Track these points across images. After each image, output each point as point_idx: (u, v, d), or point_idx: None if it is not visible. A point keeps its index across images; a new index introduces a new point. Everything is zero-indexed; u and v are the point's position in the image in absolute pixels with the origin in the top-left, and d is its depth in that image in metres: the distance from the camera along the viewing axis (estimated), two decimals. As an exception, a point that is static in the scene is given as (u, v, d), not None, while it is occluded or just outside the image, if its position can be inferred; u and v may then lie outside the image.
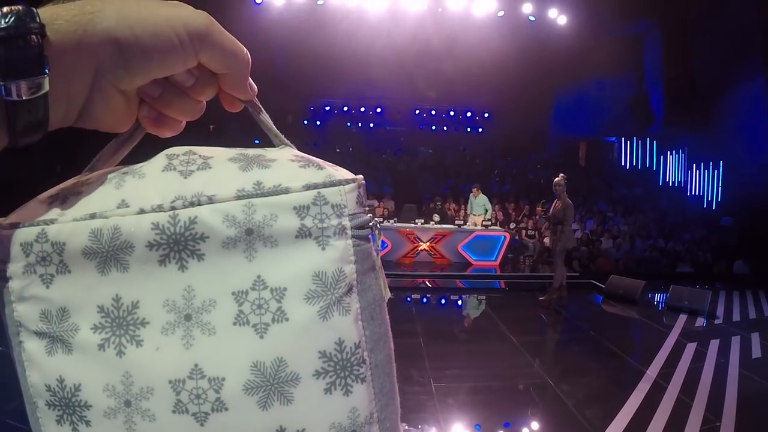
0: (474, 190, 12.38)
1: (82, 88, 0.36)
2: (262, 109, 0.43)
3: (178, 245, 0.35)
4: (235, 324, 0.35)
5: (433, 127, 21.85)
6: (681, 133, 17.39)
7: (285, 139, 0.43)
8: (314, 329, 0.35)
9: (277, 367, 0.34)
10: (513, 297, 9.49)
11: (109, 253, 0.35)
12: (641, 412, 4.32)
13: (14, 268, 0.35)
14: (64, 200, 0.37)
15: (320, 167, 0.38)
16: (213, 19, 0.38)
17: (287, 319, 0.35)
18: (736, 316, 8.20)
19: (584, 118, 19.39)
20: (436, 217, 12.17)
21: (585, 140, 20.83)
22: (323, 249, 0.36)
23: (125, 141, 0.43)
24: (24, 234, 0.35)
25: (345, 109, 21.02)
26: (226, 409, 0.34)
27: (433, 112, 21.65)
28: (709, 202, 16.74)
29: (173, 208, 0.35)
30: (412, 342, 5.93)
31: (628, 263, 12.41)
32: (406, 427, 3.91)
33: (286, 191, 0.36)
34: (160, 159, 0.38)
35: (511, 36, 16.04)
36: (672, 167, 18.44)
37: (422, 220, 11.98)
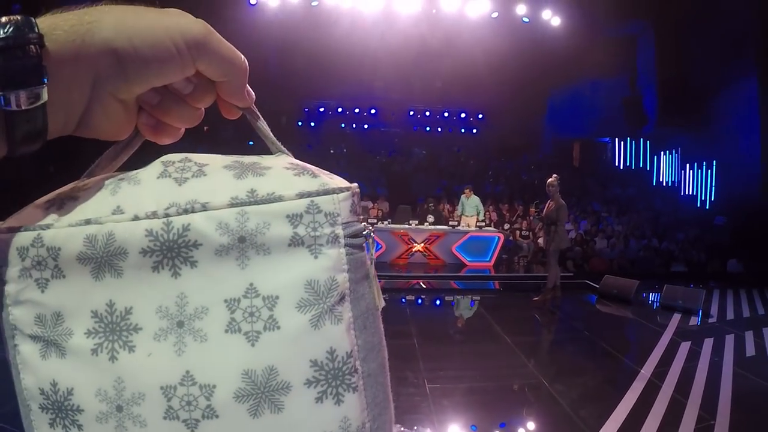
0: (466, 191, 12.42)
1: (80, 97, 0.36)
2: (260, 116, 0.43)
3: (172, 252, 0.35)
4: (226, 331, 0.34)
5: (428, 128, 21.88)
6: (674, 133, 17.46)
7: (281, 147, 0.43)
8: (306, 338, 0.35)
9: (268, 375, 0.34)
10: (507, 297, 9.50)
11: (104, 259, 0.35)
12: (636, 412, 4.32)
13: (10, 272, 0.36)
14: (60, 205, 0.37)
15: (315, 175, 0.38)
16: (211, 27, 0.38)
17: (279, 328, 0.35)
18: (730, 315, 8.22)
19: (578, 118, 19.44)
20: (431, 218, 12.15)
21: (579, 141, 20.90)
22: (316, 257, 0.36)
23: (124, 147, 0.43)
24: (20, 238, 0.36)
25: (339, 110, 21.01)
26: (217, 416, 0.34)
27: (428, 113, 21.65)
28: (703, 202, 16.79)
29: (167, 215, 0.35)
30: (407, 343, 5.91)
31: (622, 263, 12.43)
32: (402, 429, 3.90)
33: (280, 199, 0.36)
34: (155, 166, 0.39)
35: (505, 37, 16.04)
36: (665, 167, 18.52)
37: (416, 221, 11.97)
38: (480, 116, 22.08)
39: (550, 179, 7.68)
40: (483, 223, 12.16)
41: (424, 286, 9.91)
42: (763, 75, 14.27)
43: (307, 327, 0.35)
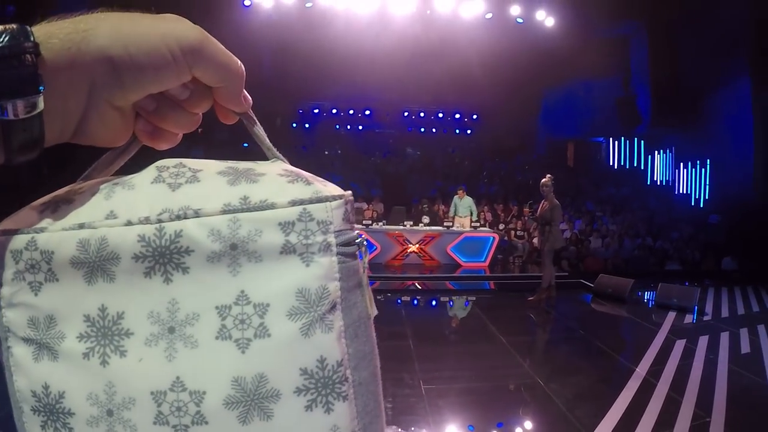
0: (459, 192, 12.46)
1: (77, 105, 0.36)
2: (257, 121, 0.43)
3: (164, 258, 0.35)
4: (217, 338, 0.34)
5: (422, 129, 21.90)
6: (668, 133, 17.53)
7: (277, 153, 0.43)
8: (296, 346, 0.35)
9: (258, 382, 0.34)
10: (502, 298, 9.51)
11: (96, 264, 0.35)
12: (631, 410, 4.32)
13: (5, 274, 0.36)
14: (55, 209, 0.37)
15: (308, 183, 0.38)
16: (206, 33, 0.38)
17: (269, 335, 0.35)
18: (725, 313, 8.26)
19: (572, 119, 19.49)
20: (426, 219, 12.16)
21: (573, 141, 20.95)
22: (307, 266, 0.36)
23: (121, 152, 0.43)
24: (15, 241, 0.36)
25: (334, 111, 21.02)
26: (206, 422, 0.34)
27: (422, 114, 21.68)
28: (697, 201, 16.87)
29: (160, 221, 0.35)
30: (402, 344, 5.91)
31: (617, 262, 12.47)
32: (398, 430, 3.89)
33: (272, 207, 0.36)
34: (150, 171, 0.38)
35: (499, 38, 16.04)
36: (659, 166, 18.59)
37: (411, 222, 11.97)
38: (474, 117, 22.12)
39: (543, 179, 7.70)
40: (478, 224, 12.17)
41: (420, 287, 9.88)
42: (756, 74, 14.35)
43: (298, 335, 0.35)
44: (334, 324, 0.36)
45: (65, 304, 0.35)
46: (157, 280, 0.35)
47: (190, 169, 0.38)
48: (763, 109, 14.23)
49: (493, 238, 11.85)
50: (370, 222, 11.71)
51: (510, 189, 16.87)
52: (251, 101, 0.42)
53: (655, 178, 18.69)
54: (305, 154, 17.97)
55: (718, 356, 5.84)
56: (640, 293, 9.47)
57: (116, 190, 0.37)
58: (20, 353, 0.36)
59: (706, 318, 7.86)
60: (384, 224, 12.00)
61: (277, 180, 0.38)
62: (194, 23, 0.38)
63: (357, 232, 0.39)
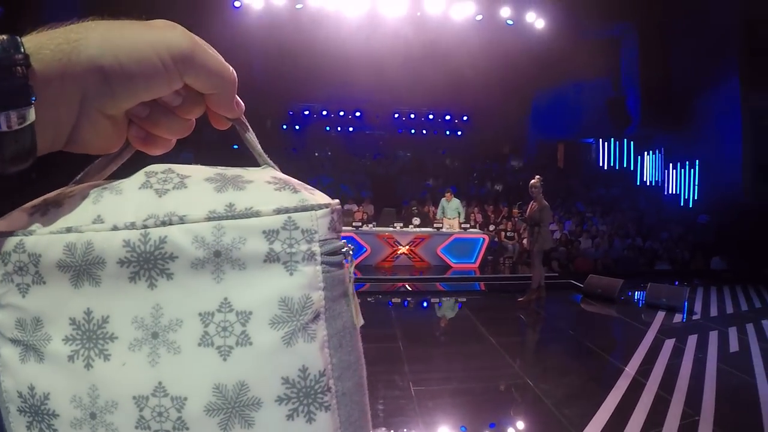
0: (447, 195, 12.49)
1: (68, 115, 0.36)
2: (249, 127, 0.43)
3: (148, 263, 0.35)
4: (200, 345, 0.34)
5: (413, 131, 21.93)
6: (658, 134, 17.64)
7: (268, 159, 0.43)
8: (278, 355, 0.35)
9: (239, 390, 0.34)
10: (492, 299, 9.52)
11: (82, 268, 0.35)
12: (621, 409, 4.33)
13: None
14: (44, 212, 0.37)
15: (295, 191, 0.38)
16: (197, 40, 0.38)
17: (251, 343, 0.34)
18: (714, 312, 8.30)
19: (562, 120, 19.55)
20: (416, 221, 12.16)
21: (563, 142, 21.01)
22: (291, 274, 0.36)
23: (114, 158, 0.43)
24: (3, 243, 0.36)
25: (324, 113, 21.03)
26: (187, 429, 0.34)
27: (413, 116, 21.73)
28: (686, 201, 16.95)
29: (145, 227, 0.35)
30: (392, 346, 5.88)
31: (607, 262, 12.50)
32: (388, 432, 3.88)
33: (257, 215, 0.36)
34: (138, 176, 0.39)
35: (490, 40, 16.07)
36: (649, 167, 18.68)
37: (401, 224, 11.96)
38: (465, 118, 22.19)
39: (533, 180, 7.72)
40: (467, 225, 12.19)
41: (410, 289, 9.85)
42: (745, 75, 14.46)
43: (280, 344, 0.35)
44: (317, 333, 0.36)
45: (52, 307, 0.35)
46: (142, 286, 0.35)
47: (178, 175, 0.38)
48: (752, 109, 14.35)
49: (483, 239, 11.86)
50: (360, 224, 11.66)
51: (500, 190, 16.89)
52: (243, 107, 0.43)
53: (645, 179, 18.79)
54: (295, 156, 17.93)
55: (707, 355, 5.87)
56: (629, 293, 9.50)
57: (104, 195, 0.37)
58: (7, 354, 0.36)
59: (695, 317, 7.89)
60: (374, 226, 11.98)
61: (264, 187, 0.38)
62: (184, 25, 0.38)
63: (343, 241, 0.39)
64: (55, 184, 0.41)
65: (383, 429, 3.88)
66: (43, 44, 0.34)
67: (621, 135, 19.14)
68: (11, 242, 0.36)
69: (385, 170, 18.41)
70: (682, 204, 16.96)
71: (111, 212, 0.36)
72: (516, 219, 11.79)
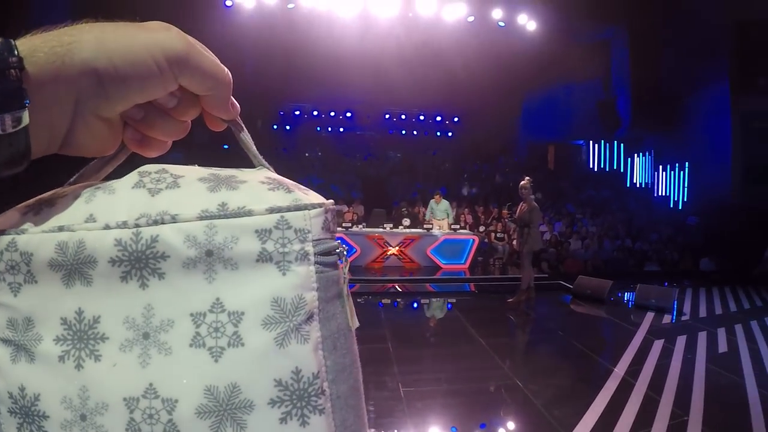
0: (436, 197, 12.52)
1: (63, 118, 0.36)
2: (244, 128, 0.43)
3: (140, 263, 0.34)
4: (191, 346, 0.34)
5: (403, 132, 21.96)
6: (648, 136, 17.71)
7: (263, 161, 0.42)
8: (270, 356, 0.34)
9: (231, 392, 0.33)
10: (482, 299, 9.51)
11: (74, 267, 0.35)
12: (610, 410, 4.34)
13: None
14: (37, 211, 0.37)
15: (289, 190, 0.38)
16: (192, 41, 0.38)
17: (243, 345, 0.34)
18: (703, 313, 8.33)
19: (553, 121, 19.58)
20: (407, 221, 12.17)
21: (553, 144, 21.05)
22: (284, 274, 0.35)
23: (110, 160, 0.43)
24: None
25: (315, 113, 21.01)
26: (178, 431, 0.33)
27: (403, 117, 21.76)
28: (676, 203, 17.00)
29: (137, 226, 0.35)
30: (381, 347, 5.88)
31: (597, 263, 12.52)
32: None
33: (249, 214, 0.35)
34: (132, 176, 0.38)
35: (481, 41, 16.06)
36: (639, 169, 18.74)
37: (391, 225, 11.96)
38: (455, 119, 22.24)
39: (522, 182, 7.73)
40: (457, 226, 12.22)
41: (399, 290, 9.83)
42: (735, 77, 14.52)
43: (272, 345, 0.34)
44: (310, 335, 0.36)
45: (43, 307, 0.35)
46: (133, 285, 0.34)
47: (171, 174, 0.38)
48: (742, 112, 14.42)
49: (473, 240, 11.88)
50: (350, 225, 11.69)
51: (490, 191, 16.92)
52: (239, 108, 0.42)
53: (635, 181, 18.84)
54: (285, 156, 17.90)
55: (696, 356, 5.90)
56: (619, 294, 9.52)
57: (97, 194, 0.37)
58: None
59: (684, 318, 7.93)
60: (364, 227, 11.99)
61: (257, 187, 0.37)
62: (175, 24, 0.38)
63: (337, 242, 0.39)
64: (50, 186, 0.41)
65: (372, 431, 3.86)
66: (37, 47, 0.34)
67: (611, 137, 19.19)
68: (3, 241, 0.35)
69: (376, 171, 18.41)
70: (671, 205, 17.02)
71: (103, 211, 0.36)
72: (506, 220, 11.80)
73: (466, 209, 14.67)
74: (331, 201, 0.39)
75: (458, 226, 12.25)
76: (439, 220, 12.25)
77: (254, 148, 0.43)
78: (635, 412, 4.28)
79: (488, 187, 17.56)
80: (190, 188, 0.37)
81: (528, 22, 15.99)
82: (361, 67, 16.42)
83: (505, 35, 16.28)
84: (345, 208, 13.59)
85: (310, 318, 0.36)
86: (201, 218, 0.35)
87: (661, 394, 4.70)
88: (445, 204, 12.43)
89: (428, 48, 15.93)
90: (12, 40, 0.33)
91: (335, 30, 15.06)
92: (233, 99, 0.42)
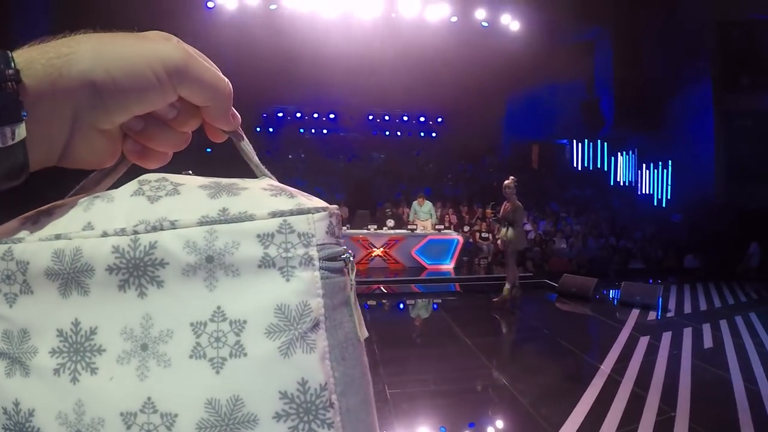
0: (419, 199, 12.50)
1: (61, 130, 0.35)
2: (245, 137, 0.42)
3: (138, 270, 0.33)
4: (191, 357, 0.33)
5: (387, 133, 21.89)
6: (631, 135, 17.84)
7: (265, 170, 0.41)
8: (274, 367, 0.33)
9: (233, 405, 0.32)
10: (468, 299, 9.52)
11: (71, 276, 0.34)
12: (597, 407, 4.34)
13: None
14: (35, 220, 0.37)
15: (292, 196, 0.37)
16: (192, 51, 0.37)
17: (245, 355, 0.32)
18: (688, 309, 8.41)
19: (537, 121, 19.67)
20: (391, 222, 12.14)
21: (537, 143, 21.14)
22: (287, 280, 0.34)
23: (110, 172, 0.43)
24: None
25: (298, 115, 20.88)
26: None
27: (387, 118, 21.71)
28: (660, 201, 17.16)
29: (135, 232, 0.34)
30: (367, 349, 5.77)
31: (581, 262, 12.60)
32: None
33: (251, 218, 0.34)
34: (131, 185, 0.38)
35: (465, 41, 16.11)
36: (623, 167, 18.88)
37: (375, 226, 11.94)
38: (439, 120, 22.23)
39: (506, 181, 7.71)
40: (441, 226, 12.23)
41: (385, 291, 9.80)
42: (717, 77, 14.71)
43: (276, 355, 0.32)
44: (316, 344, 0.34)
45: (39, 318, 0.34)
46: (132, 294, 0.33)
47: (171, 182, 0.37)
48: (724, 111, 14.60)
49: (458, 240, 11.89)
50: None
51: (475, 191, 16.93)
52: (240, 119, 0.42)
53: (619, 179, 18.98)
54: (269, 159, 17.73)
55: (682, 352, 5.94)
56: (604, 292, 9.54)
57: (96, 203, 0.37)
58: None
59: (669, 315, 7.97)
60: (348, 228, 11.90)
61: (259, 193, 0.36)
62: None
63: (343, 247, 0.37)
64: (53, 199, 0.40)
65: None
66: (34, 59, 0.33)
67: (595, 136, 19.33)
68: (0, 250, 0.34)
69: (360, 172, 18.34)
70: (655, 204, 17.18)
71: (101, 219, 0.35)
72: (490, 219, 11.82)
73: (451, 209, 14.65)
74: (336, 206, 0.38)
75: (442, 227, 12.25)
76: (422, 221, 12.21)
77: (256, 158, 0.41)
78: (622, 409, 4.28)
79: (473, 187, 17.57)
80: (190, 195, 0.36)
81: (511, 23, 16.08)
82: (344, 69, 16.37)
83: (488, 36, 16.35)
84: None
85: (316, 326, 0.34)
86: (201, 224, 0.34)
87: (647, 390, 4.71)
88: (428, 205, 12.44)
89: (411, 49, 15.91)
90: (9, 52, 0.32)
91: (318, 31, 15.02)
92: (234, 110, 0.41)
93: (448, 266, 11.72)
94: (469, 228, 13.90)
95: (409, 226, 11.99)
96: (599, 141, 19.37)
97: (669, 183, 16.81)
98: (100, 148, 0.38)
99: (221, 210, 0.34)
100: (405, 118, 21.95)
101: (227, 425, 0.31)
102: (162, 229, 0.34)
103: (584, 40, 18.52)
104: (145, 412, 0.32)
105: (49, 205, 0.39)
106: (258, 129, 20.44)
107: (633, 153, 18.25)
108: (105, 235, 0.34)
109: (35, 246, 0.34)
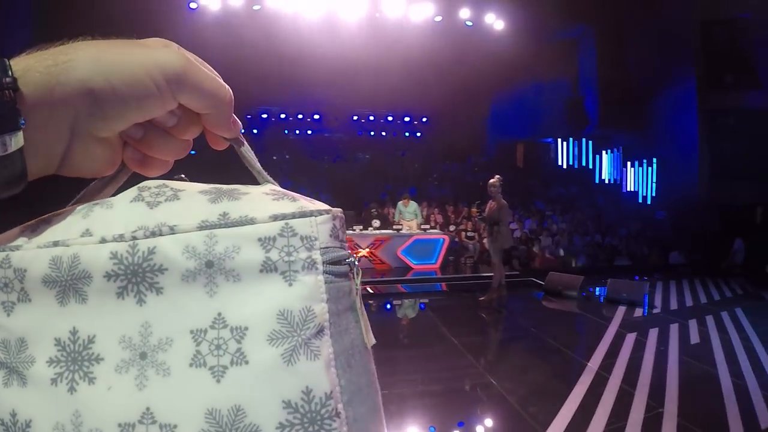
0: (404, 200, 12.46)
1: (59, 139, 0.35)
2: (246, 143, 0.41)
3: (136, 277, 0.33)
4: (191, 365, 0.31)
5: (372, 133, 21.89)
6: (616, 133, 17.95)
7: (267, 176, 0.40)
8: (277, 375, 0.31)
9: (235, 416, 0.30)
10: (454, 299, 9.53)
11: (68, 283, 0.33)
12: (585, 404, 4.35)
13: None
14: (34, 228, 0.36)
15: (294, 200, 0.36)
16: (192, 58, 0.37)
17: (247, 363, 0.31)
18: (674, 305, 8.46)
19: (521, 120, 19.72)
20: (377, 223, 12.10)
21: (522, 142, 21.18)
22: (290, 285, 0.33)
23: (110, 180, 0.42)
24: None
25: (282, 116, 20.81)
26: None
27: (372, 118, 21.70)
28: (644, 198, 17.27)
29: (134, 238, 0.33)
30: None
31: (567, 260, 12.61)
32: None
33: (251, 222, 0.33)
34: (131, 191, 0.37)
35: (449, 41, 16.10)
36: (607, 165, 18.99)
37: (360, 227, 11.89)
38: (424, 120, 22.25)
39: (491, 180, 7.71)
40: (427, 226, 12.21)
41: (371, 291, 9.75)
42: (701, 75, 14.81)
43: (279, 362, 0.31)
44: (321, 351, 0.32)
45: (37, 326, 0.33)
46: (130, 302, 0.32)
47: (171, 188, 0.37)
48: (708, 109, 14.70)
49: (443, 239, 11.85)
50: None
51: (460, 191, 16.93)
52: (241, 126, 0.41)
53: (603, 177, 19.08)
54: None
55: (669, 348, 5.97)
56: (590, 289, 9.57)
57: (95, 210, 0.36)
58: None
59: (655, 311, 8.03)
60: (333, 229, 11.85)
61: (261, 198, 0.35)
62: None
63: (348, 251, 0.36)
64: (52, 209, 0.39)
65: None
66: (32, 66, 0.33)
67: (579, 135, 19.43)
68: None
69: (345, 173, 18.29)
70: (640, 201, 17.30)
71: (100, 225, 0.34)
72: (475, 218, 11.81)
73: (436, 209, 14.64)
74: (339, 209, 0.36)
75: (428, 226, 12.22)
76: (408, 221, 12.17)
77: (258, 164, 0.40)
78: (610, 406, 4.30)
79: (458, 186, 17.58)
80: (191, 200, 0.35)
81: (495, 22, 16.09)
82: (328, 69, 16.31)
83: (472, 35, 16.35)
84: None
85: (320, 332, 0.32)
86: (201, 228, 0.33)
87: (635, 387, 4.72)
88: (413, 206, 12.37)
89: (395, 48, 15.87)
90: (6, 60, 0.32)
91: (302, 32, 14.95)
92: (235, 117, 0.40)
93: (434, 266, 11.69)
94: (455, 227, 13.89)
95: (394, 227, 11.94)
96: (584, 139, 19.46)
97: (653, 181, 16.91)
98: (100, 156, 0.37)
99: (221, 214, 0.33)
100: (390, 119, 21.95)
101: None
102: (161, 235, 0.33)
103: (568, 38, 18.60)
104: (143, 422, 0.31)
105: (49, 214, 0.38)
106: (242, 131, 20.32)
107: (617, 151, 18.35)
108: (103, 241, 0.33)
109: (33, 253, 0.34)
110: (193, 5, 14.54)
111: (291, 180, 15.28)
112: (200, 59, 0.38)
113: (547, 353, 5.98)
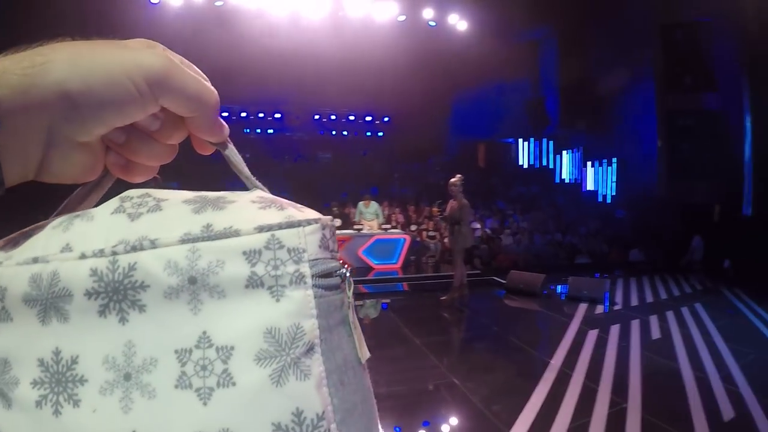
0: (365, 201, 12.34)
1: (36, 144, 0.33)
2: (233, 147, 0.39)
3: (118, 294, 0.31)
4: (176, 387, 0.29)
5: (333, 132, 21.80)
6: (576, 133, 18.20)
7: (257, 182, 0.38)
8: (266, 396, 0.29)
9: None
10: (416, 298, 9.47)
11: (49, 301, 0.31)
12: (549, 402, 4.33)
13: None
14: (15, 243, 0.35)
15: (282, 208, 0.33)
16: (174, 60, 0.35)
17: (234, 384, 0.29)
18: (635, 301, 8.57)
19: (483, 120, 19.84)
20: (337, 222, 11.91)
21: (484, 142, 21.33)
22: (277, 301, 0.31)
23: (94, 187, 0.40)
24: None
25: (243, 115, 20.53)
26: None
27: (333, 117, 21.60)
28: (604, 197, 17.54)
29: (114, 253, 0.31)
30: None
31: (528, 258, 12.68)
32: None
33: (236, 234, 0.31)
34: (112, 202, 0.35)
35: (412, 41, 16.10)
36: (568, 165, 19.23)
37: (321, 227, 11.69)
38: (386, 119, 22.24)
39: (453, 179, 7.66)
40: (389, 226, 12.14)
41: (332, 292, 9.57)
42: (660, 77, 15.11)
43: (267, 383, 0.29)
44: (311, 369, 0.30)
45: (20, 347, 0.31)
46: (112, 320, 0.30)
47: (154, 198, 0.34)
48: (667, 110, 14.98)
49: (405, 239, 11.79)
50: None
51: (422, 190, 16.94)
52: (228, 129, 0.39)
53: (564, 177, 19.32)
54: (213, 160, 17.10)
55: (630, 343, 6.02)
56: (551, 287, 9.61)
57: (75, 222, 0.34)
58: None
59: (616, 307, 8.12)
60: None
61: (247, 206, 0.33)
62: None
63: (339, 262, 0.34)
64: (33, 219, 0.37)
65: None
66: (8, 69, 0.31)
67: (540, 135, 19.64)
68: None
69: (306, 173, 18.14)
70: (600, 200, 17.55)
71: (80, 240, 0.32)
72: (437, 218, 11.77)
73: (398, 209, 14.59)
74: (329, 217, 0.34)
75: (389, 226, 12.13)
76: (368, 221, 12.06)
77: (246, 170, 0.38)
78: (574, 403, 4.28)
79: (420, 186, 17.58)
80: (173, 211, 0.33)
81: (459, 22, 16.17)
82: (290, 67, 16.16)
83: (435, 35, 16.39)
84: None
85: (310, 350, 0.31)
86: (183, 242, 0.31)
87: (598, 383, 4.72)
88: (374, 206, 12.25)
89: (358, 47, 15.79)
90: None
91: (264, 29, 14.79)
92: (222, 120, 0.38)
93: (396, 266, 11.62)
94: (416, 227, 13.85)
95: (355, 227, 11.82)
96: (545, 139, 19.70)
97: (613, 180, 17.19)
98: (79, 161, 0.35)
99: (205, 226, 0.31)
100: (351, 118, 21.88)
101: None
102: (142, 249, 0.31)
103: (530, 40, 18.81)
104: None
105: (31, 226, 0.36)
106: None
107: (578, 151, 18.59)
108: (83, 257, 0.31)
109: (12, 270, 0.32)
110: (154, 0, 14.22)
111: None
112: (187, 61, 0.36)
113: (509, 352, 5.95)
